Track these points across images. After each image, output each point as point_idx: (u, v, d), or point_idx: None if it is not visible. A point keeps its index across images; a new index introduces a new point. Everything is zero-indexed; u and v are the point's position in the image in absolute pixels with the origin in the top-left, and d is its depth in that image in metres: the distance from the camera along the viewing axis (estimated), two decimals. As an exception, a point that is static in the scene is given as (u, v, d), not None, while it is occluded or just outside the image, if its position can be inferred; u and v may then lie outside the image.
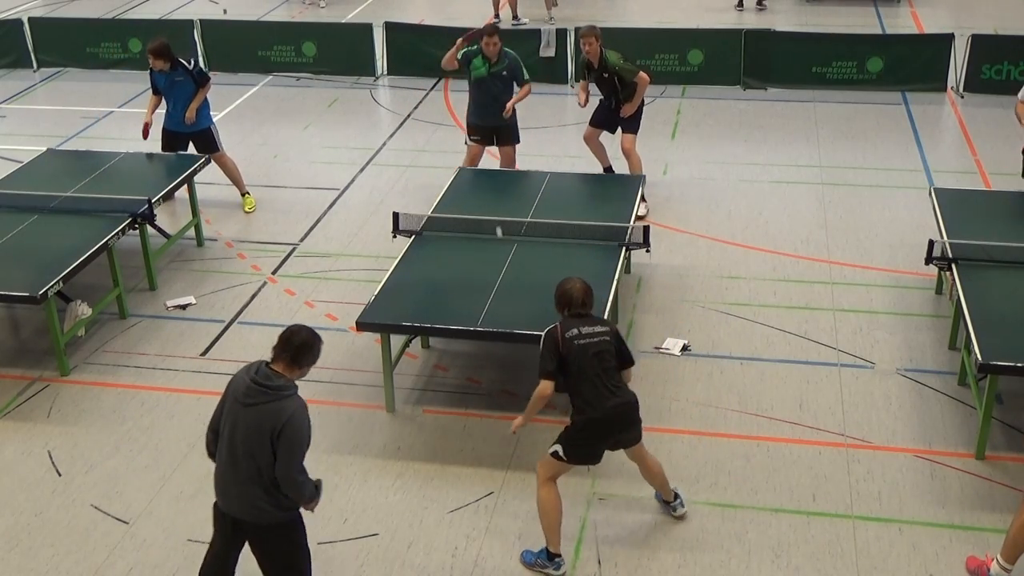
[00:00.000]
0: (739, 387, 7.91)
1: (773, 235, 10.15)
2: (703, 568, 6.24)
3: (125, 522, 6.73)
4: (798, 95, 13.88)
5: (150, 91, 10.79)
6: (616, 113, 10.61)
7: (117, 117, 13.86)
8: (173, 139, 10.73)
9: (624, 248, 8.30)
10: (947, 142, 12.59)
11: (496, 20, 17.27)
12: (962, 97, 13.72)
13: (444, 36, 14.98)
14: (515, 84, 10.50)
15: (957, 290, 7.56)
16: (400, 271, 8.07)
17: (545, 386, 6.00)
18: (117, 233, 8.72)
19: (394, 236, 8.81)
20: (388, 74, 15.20)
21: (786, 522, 6.57)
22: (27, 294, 7.82)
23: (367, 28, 15.30)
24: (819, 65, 14.04)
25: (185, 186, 10.00)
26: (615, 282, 7.75)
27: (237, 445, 5.16)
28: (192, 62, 10.72)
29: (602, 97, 10.79)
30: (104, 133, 13.16)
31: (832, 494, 6.79)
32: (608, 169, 10.98)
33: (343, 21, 17.36)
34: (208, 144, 10.76)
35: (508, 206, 9.07)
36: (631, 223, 8.59)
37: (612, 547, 6.41)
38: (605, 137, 10.94)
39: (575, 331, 5.99)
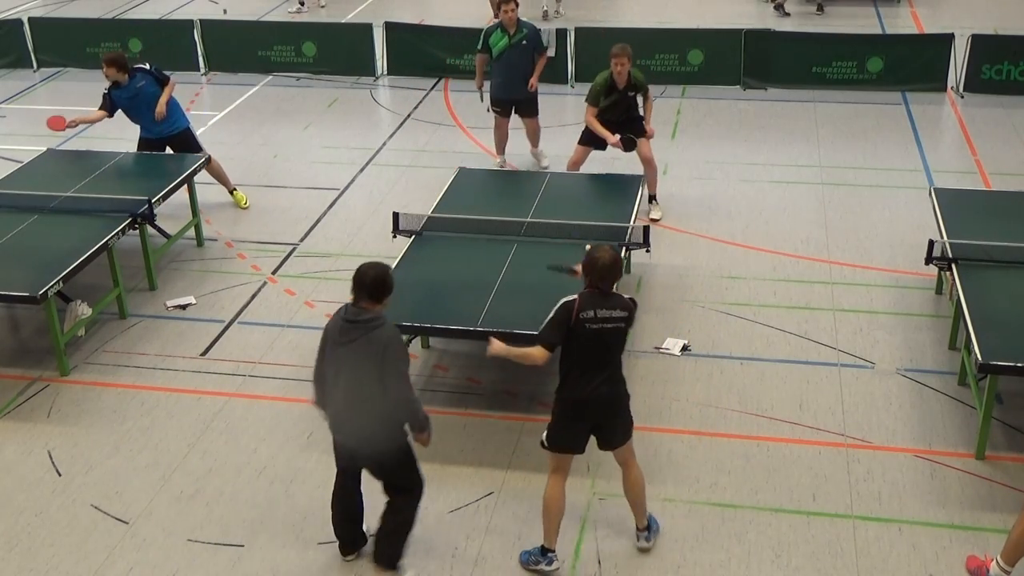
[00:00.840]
0: (739, 387, 7.91)
1: (773, 235, 10.15)
2: (703, 568, 6.24)
3: (125, 522, 6.73)
4: (798, 95, 13.88)
5: (99, 108, 10.49)
6: (625, 121, 10.22)
7: (117, 117, 13.80)
8: (152, 147, 10.55)
9: (624, 248, 8.30)
10: (947, 142, 12.59)
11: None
12: (962, 97, 13.72)
13: (444, 36, 15.05)
14: (535, 54, 10.77)
15: (957, 290, 7.56)
16: (400, 271, 8.02)
17: (541, 353, 5.85)
18: (117, 233, 8.72)
19: (394, 236, 8.81)
20: (388, 74, 15.20)
21: (786, 522, 6.57)
22: (27, 294, 7.82)
23: (367, 28, 15.30)
24: (819, 65, 14.04)
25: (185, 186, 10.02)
26: (615, 282, 7.74)
27: (346, 383, 5.62)
28: (148, 65, 10.53)
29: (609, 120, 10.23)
30: (104, 133, 13.14)
31: (832, 494, 6.79)
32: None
33: (343, 21, 17.35)
34: (188, 145, 10.64)
35: (508, 206, 9.07)
36: (631, 223, 8.59)
37: (612, 547, 6.41)
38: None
39: (591, 313, 5.74)
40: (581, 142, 10.53)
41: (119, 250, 8.93)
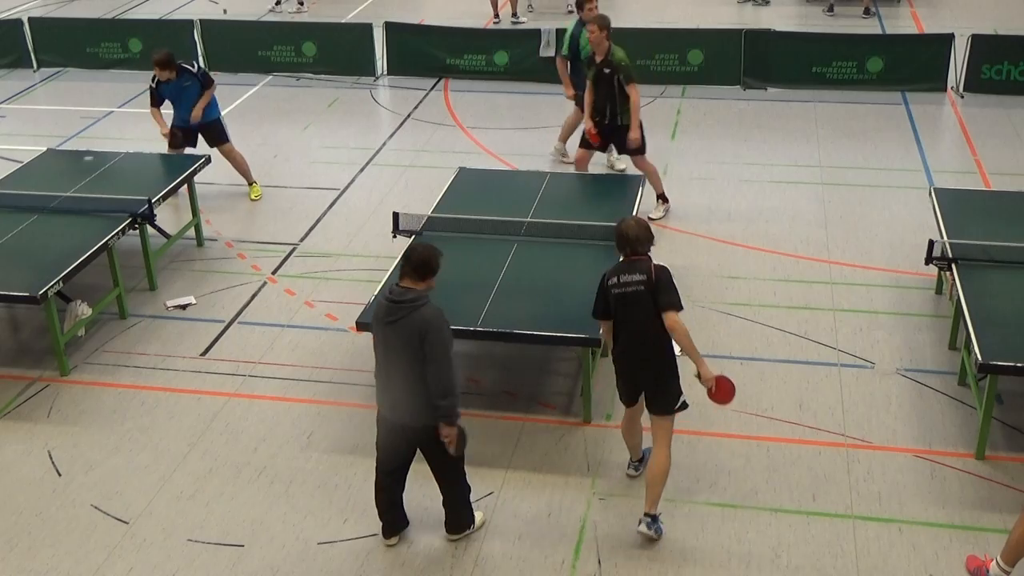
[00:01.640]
0: (739, 387, 7.86)
1: (773, 235, 10.15)
2: (703, 568, 6.24)
3: (125, 522, 6.73)
4: (798, 95, 13.88)
5: (151, 106, 10.84)
6: (609, 127, 10.13)
7: (117, 117, 13.86)
8: (184, 134, 10.95)
9: (624, 248, 8.30)
10: (947, 142, 12.59)
11: (496, 20, 17.28)
12: (962, 97, 13.72)
13: (444, 36, 15.05)
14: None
15: (957, 290, 7.56)
16: (400, 271, 8.06)
17: (602, 325, 6.51)
18: (117, 233, 8.72)
19: (394, 236, 8.81)
20: (388, 74, 15.20)
21: (786, 522, 6.57)
22: (27, 294, 7.82)
23: (367, 28, 15.30)
24: (819, 65, 14.04)
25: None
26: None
27: (392, 362, 5.84)
28: (195, 65, 10.94)
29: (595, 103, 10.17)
30: (104, 133, 13.16)
31: (832, 494, 6.79)
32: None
33: (343, 21, 17.35)
34: (218, 136, 11.05)
35: (508, 206, 9.06)
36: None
37: (612, 547, 6.41)
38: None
39: (615, 279, 6.25)
40: (580, 145, 10.48)
41: (119, 250, 8.93)
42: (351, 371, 8.16)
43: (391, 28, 15.18)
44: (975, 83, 13.74)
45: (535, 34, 14.64)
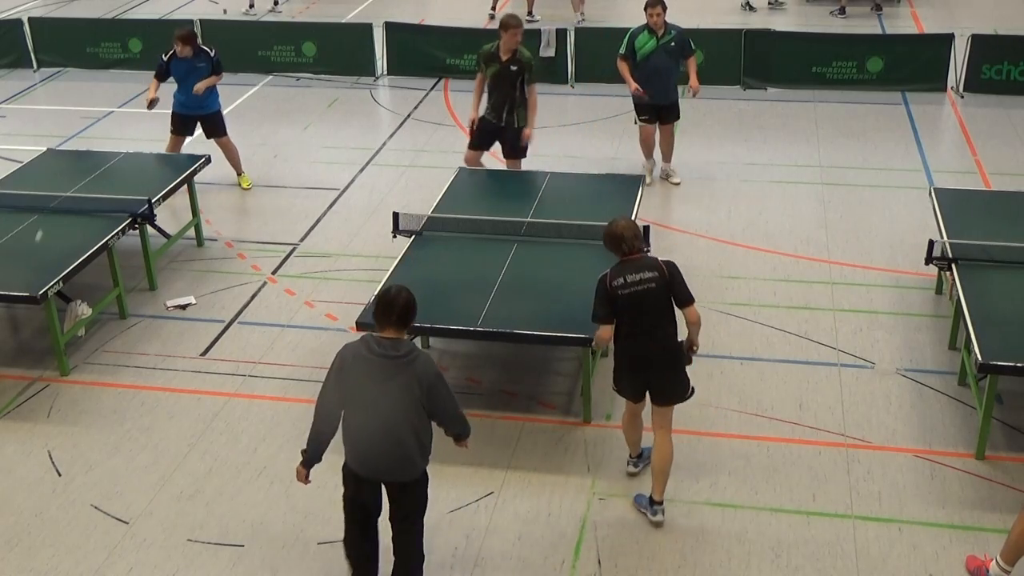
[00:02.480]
0: (739, 387, 7.91)
1: (773, 235, 10.15)
2: (703, 568, 6.24)
3: (125, 522, 6.73)
4: (798, 95, 13.89)
5: (154, 77, 11.04)
6: (497, 128, 10.12)
7: (117, 117, 13.86)
8: (183, 122, 11.12)
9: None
10: (947, 142, 12.59)
11: (492, 15, 17.28)
12: (962, 97, 13.72)
13: (444, 36, 15.05)
14: (681, 58, 10.64)
15: (957, 290, 7.56)
16: (400, 271, 8.06)
17: (603, 330, 6.33)
18: (117, 233, 8.72)
19: (394, 236, 8.81)
20: (388, 74, 15.20)
21: (786, 522, 6.57)
22: (27, 294, 7.82)
23: (367, 28, 15.30)
24: (819, 65, 14.05)
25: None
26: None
27: (386, 419, 5.38)
28: (213, 51, 11.09)
29: (487, 111, 10.17)
30: (104, 133, 13.15)
31: (832, 494, 6.79)
32: None
33: (343, 21, 17.35)
34: (216, 127, 11.20)
35: (508, 206, 9.07)
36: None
37: (612, 547, 6.41)
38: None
39: (621, 280, 6.15)
40: (469, 145, 10.50)
41: (119, 250, 8.92)
42: (351, 371, 8.16)
43: (391, 28, 15.18)
44: (975, 83, 13.75)
45: (535, 34, 14.62)
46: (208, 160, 10.39)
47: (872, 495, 6.77)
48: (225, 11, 18.43)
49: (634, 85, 10.60)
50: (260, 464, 7.23)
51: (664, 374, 6.37)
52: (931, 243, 8.12)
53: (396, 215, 8.78)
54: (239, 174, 11.52)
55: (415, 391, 5.38)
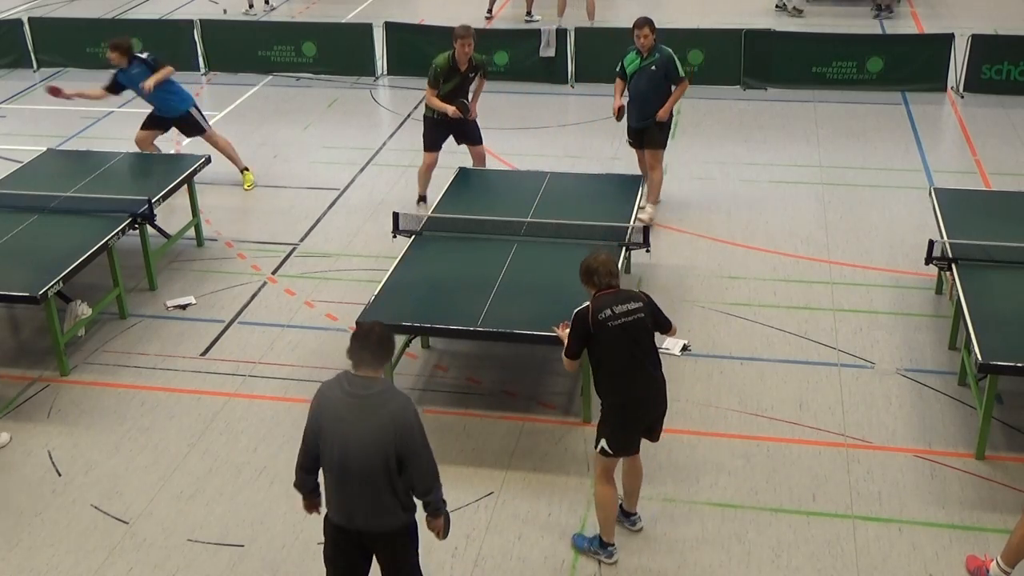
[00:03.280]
0: (739, 387, 7.91)
1: (773, 235, 10.15)
2: (703, 568, 6.24)
3: (125, 522, 6.73)
4: (798, 95, 13.88)
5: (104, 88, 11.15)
6: (454, 123, 10.19)
7: (117, 117, 13.85)
8: (157, 123, 11.23)
9: (624, 248, 8.31)
10: (947, 142, 12.59)
11: (488, 16, 17.27)
12: (962, 97, 13.72)
13: (444, 36, 14.99)
14: (667, 82, 9.97)
15: (957, 290, 7.56)
16: (400, 271, 8.07)
17: (569, 364, 6.15)
18: (117, 233, 8.72)
19: (394, 236, 8.81)
20: (388, 74, 15.20)
21: (786, 522, 6.57)
22: (27, 294, 7.82)
23: (367, 28, 15.30)
24: (819, 65, 14.05)
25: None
26: (615, 282, 7.74)
27: (358, 462, 4.95)
28: (146, 54, 11.15)
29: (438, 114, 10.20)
30: (104, 133, 13.15)
31: (832, 494, 6.79)
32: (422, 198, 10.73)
33: (343, 21, 17.35)
34: (193, 127, 11.24)
35: (508, 206, 9.07)
36: (631, 223, 8.60)
37: (612, 547, 6.41)
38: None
39: (608, 312, 5.81)
40: (428, 148, 10.47)
41: (119, 250, 8.92)
42: (351, 371, 8.16)
43: (391, 28, 15.18)
44: (975, 83, 13.75)
45: (535, 34, 14.64)
46: (208, 160, 10.39)
47: (872, 495, 6.77)
48: (225, 11, 18.43)
49: (615, 105, 10.24)
50: (260, 464, 7.23)
51: (664, 405, 6.14)
52: (931, 243, 8.12)
53: (396, 215, 8.78)
54: (242, 172, 11.50)
55: (388, 434, 4.91)
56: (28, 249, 8.51)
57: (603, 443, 6.01)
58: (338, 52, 15.22)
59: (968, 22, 16.21)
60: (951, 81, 13.88)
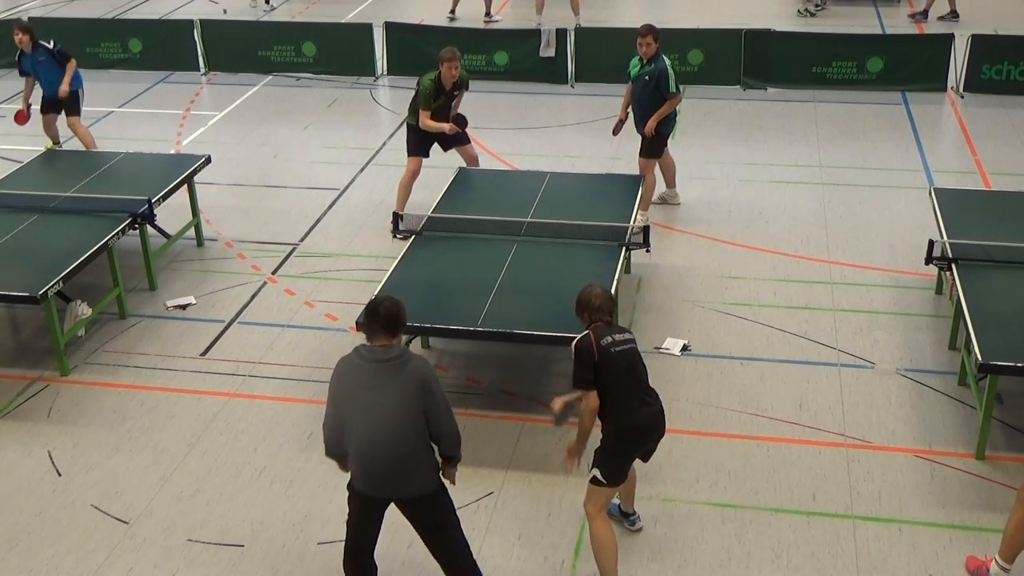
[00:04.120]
0: (739, 387, 7.91)
1: (773, 235, 10.16)
2: (703, 568, 6.24)
3: (125, 522, 6.73)
4: (798, 95, 13.89)
5: (25, 77, 11.69)
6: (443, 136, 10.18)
7: (117, 117, 13.86)
8: (48, 103, 11.71)
9: (624, 248, 8.31)
10: (947, 142, 12.59)
11: (487, 18, 17.27)
12: (962, 97, 13.72)
13: (444, 36, 15.02)
14: (658, 94, 9.85)
15: (957, 290, 7.56)
16: (400, 271, 8.07)
17: (591, 398, 5.73)
18: (117, 233, 8.72)
19: (394, 236, 8.81)
20: (388, 74, 15.20)
21: (786, 522, 6.57)
22: (27, 294, 7.82)
23: (367, 28, 15.30)
24: (819, 65, 14.05)
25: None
26: (615, 282, 7.74)
27: (386, 427, 5.19)
28: (52, 43, 11.57)
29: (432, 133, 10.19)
30: (104, 133, 13.14)
31: (832, 494, 6.79)
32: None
33: (343, 21, 17.36)
34: (71, 106, 11.65)
35: (508, 206, 9.07)
36: (631, 223, 8.60)
37: (612, 547, 6.40)
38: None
39: (610, 339, 5.72)
40: (412, 153, 10.37)
41: (119, 250, 8.93)
42: (351, 371, 8.16)
43: (391, 28, 15.18)
44: (975, 83, 13.75)
45: (535, 34, 14.64)
46: (208, 160, 10.39)
47: (872, 495, 6.77)
48: (225, 11, 18.43)
49: (619, 117, 10.42)
50: (260, 464, 7.23)
51: (662, 434, 6.00)
52: (931, 243, 8.12)
53: (396, 215, 8.78)
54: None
55: (413, 391, 5.20)
56: (28, 249, 8.51)
57: (596, 472, 5.85)
58: (338, 52, 15.22)
59: (968, 22, 16.22)
60: (951, 81, 13.88)
